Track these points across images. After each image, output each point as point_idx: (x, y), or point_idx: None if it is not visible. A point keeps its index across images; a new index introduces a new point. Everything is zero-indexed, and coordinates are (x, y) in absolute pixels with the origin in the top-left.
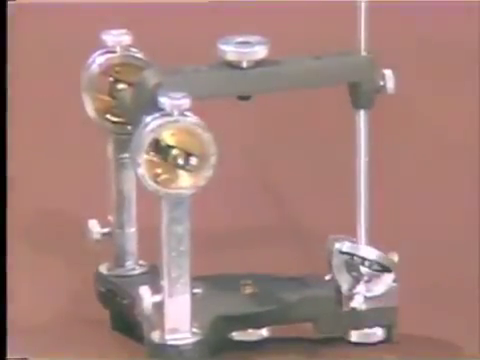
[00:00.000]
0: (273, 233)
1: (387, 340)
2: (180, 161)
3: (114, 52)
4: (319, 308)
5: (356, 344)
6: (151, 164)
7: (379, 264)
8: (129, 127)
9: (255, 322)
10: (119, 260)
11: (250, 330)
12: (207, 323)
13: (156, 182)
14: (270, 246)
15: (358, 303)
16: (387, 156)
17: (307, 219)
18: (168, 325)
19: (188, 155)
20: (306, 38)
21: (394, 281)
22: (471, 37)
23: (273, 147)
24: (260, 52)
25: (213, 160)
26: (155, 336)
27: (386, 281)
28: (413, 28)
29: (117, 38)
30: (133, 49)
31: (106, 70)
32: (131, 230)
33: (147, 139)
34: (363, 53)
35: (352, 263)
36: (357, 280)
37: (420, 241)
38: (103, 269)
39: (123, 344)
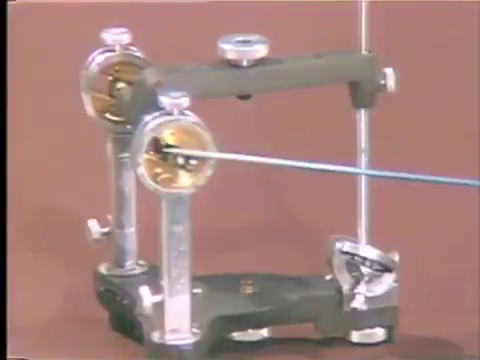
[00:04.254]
0: (273, 233)
1: (388, 340)
2: (180, 160)
3: (113, 51)
4: (320, 308)
5: (357, 344)
6: (151, 163)
7: (380, 264)
8: (129, 126)
9: (255, 322)
10: (119, 260)
11: (250, 330)
12: (207, 323)
13: (156, 182)
14: (270, 246)
15: (359, 303)
16: (387, 156)
17: (307, 219)
18: (168, 325)
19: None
20: (306, 38)
21: (395, 281)
22: (471, 37)
23: (273, 147)
24: (260, 51)
25: (213, 160)
26: (155, 336)
27: (387, 281)
28: (413, 28)
29: (117, 37)
30: (133, 48)
31: (105, 69)
32: (131, 230)
33: (147, 138)
34: (364, 52)
35: (353, 263)
36: (358, 280)
37: (420, 241)
38: (103, 269)
39: (123, 344)
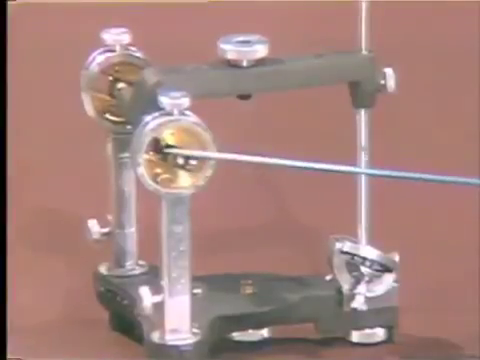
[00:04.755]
0: (273, 233)
1: (388, 340)
2: (180, 161)
3: (114, 51)
4: (320, 308)
5: (357, 344)
6: (151, 164)
7: (380, 264)
8: (129, 126)
9: (255, 322)
10: (119, 260)
11: (250, 330)
12: (207, 323)
13: (156, 182)
14: (270, 246)
15: (359, 303)
16: (387, 156)
17: (307, 219)
18: (168, 325)
19: None
20: (306, 38)
21: (395, 281)
22: (471, 37)
23: (273, 147)
24: (260, 51)
25: (213, 160)
26: (155, 336)
27: (387, 281)
28: (413, 28)
29: (117, 37)
30: (133, 48)
31: (106, 69)
32: (131, 230)
33: (147, 138)
34: (364, 52)
35: (353, 263)
36: (358, 280)
37: (420, 241)
38: (103, 269)
39: (123, 344)
